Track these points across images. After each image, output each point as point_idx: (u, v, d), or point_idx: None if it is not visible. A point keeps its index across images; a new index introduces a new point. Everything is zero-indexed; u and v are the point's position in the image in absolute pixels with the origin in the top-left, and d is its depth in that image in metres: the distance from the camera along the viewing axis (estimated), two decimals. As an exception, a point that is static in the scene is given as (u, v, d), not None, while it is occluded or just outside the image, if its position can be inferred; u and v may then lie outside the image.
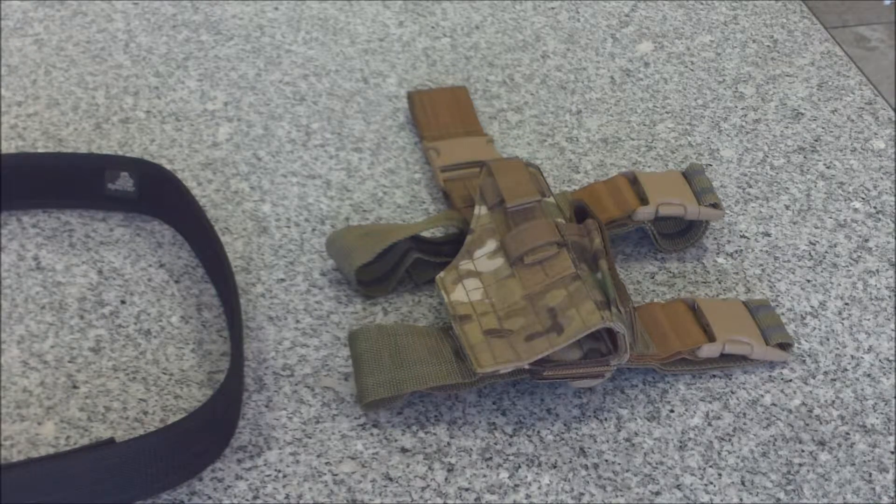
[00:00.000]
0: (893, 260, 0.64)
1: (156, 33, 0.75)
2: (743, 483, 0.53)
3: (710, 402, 0.56)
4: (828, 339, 0.59)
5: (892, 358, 0.59)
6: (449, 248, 0.60)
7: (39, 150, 0.66)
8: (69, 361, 0.55)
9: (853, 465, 0.54)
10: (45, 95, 0.70)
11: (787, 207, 0.67)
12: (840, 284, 0.62)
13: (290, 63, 0.74)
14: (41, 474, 0.46)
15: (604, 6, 0.81)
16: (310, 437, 0.53)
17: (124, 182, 0.61)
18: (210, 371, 0.55)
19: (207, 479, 0.51)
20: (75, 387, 0.54)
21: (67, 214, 0.62)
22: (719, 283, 0.62)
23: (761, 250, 0.64)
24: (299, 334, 0.57)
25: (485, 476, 0.52)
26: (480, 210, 0.59)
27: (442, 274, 0.57)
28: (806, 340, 0.59)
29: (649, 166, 0.69)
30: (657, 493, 0.52)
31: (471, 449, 0.53)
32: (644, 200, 0.61)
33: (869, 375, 0.58)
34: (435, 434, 0.54)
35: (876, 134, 0.72)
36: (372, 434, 0.53)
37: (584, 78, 0.74)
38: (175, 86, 0.71)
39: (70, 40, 0.74)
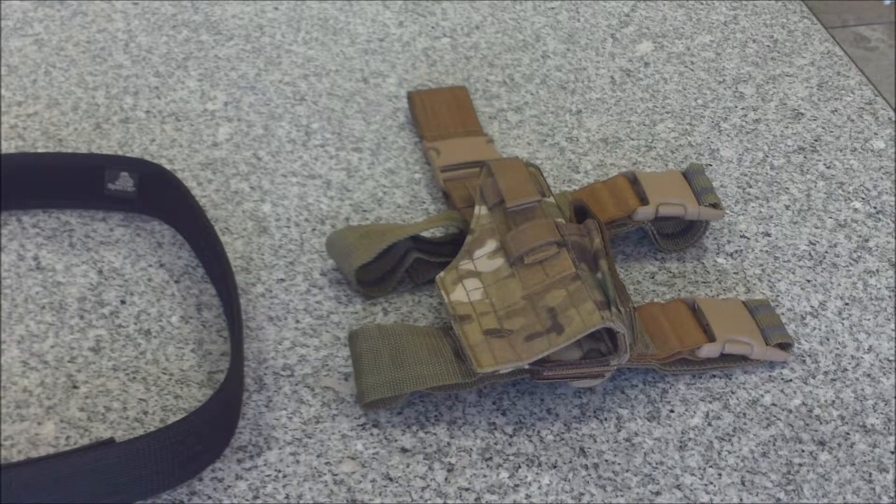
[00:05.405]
0: (893, 260, 0.64)
1: (156, 33, 0.75)
2: (743, 483, 0.53)
3: (710, 402, 0.56)
4: (828, 339, 0.59)
5: (892, 358, 0.59)
6: (449, 248, 0.60)
7: (39, 150, 0.66)
8: (69, 361, 0.55)
9: (853, 465, 0.54)
10: (45, 95, 0.70)
11: (787, 207, 0.67)
12: (840, 284, 0.62)
13: (290, 63, 0.74)
14: (41, 474, 0.46)
15: (604, 6, 0.81)
16: (310, 437, 0.53)
17: (124, 182, 0.61)
18: (210, 371, 0.55)
19: (207, 479, 0.51)
20: (75, 387, 0.54)
21: (67, 214, 0.62)
22: (719, 283, 0.62)
23: (761, 250, 0.64)
24: (299, 334, 0.57)
25: (485, 476, 0.52)
26: (480, 210, 0.59)
27: (442, 274, 0.57)
28: (806, 340, 0.59)
29: (649, 166, 0.69)
30: (657, 493, 0.52)
31: (471, 449, 0.53)
32: (644, 200, 0.61)
33: (869, 375, 0.58)
34: (435, 434, 0.54)
35: (876, 134, 0.72)
36: (372, 434, 0.53)
37: (584, 78, 0.74)
38: (175, 86, 0.71)
39: (70, 40, 0.74)
